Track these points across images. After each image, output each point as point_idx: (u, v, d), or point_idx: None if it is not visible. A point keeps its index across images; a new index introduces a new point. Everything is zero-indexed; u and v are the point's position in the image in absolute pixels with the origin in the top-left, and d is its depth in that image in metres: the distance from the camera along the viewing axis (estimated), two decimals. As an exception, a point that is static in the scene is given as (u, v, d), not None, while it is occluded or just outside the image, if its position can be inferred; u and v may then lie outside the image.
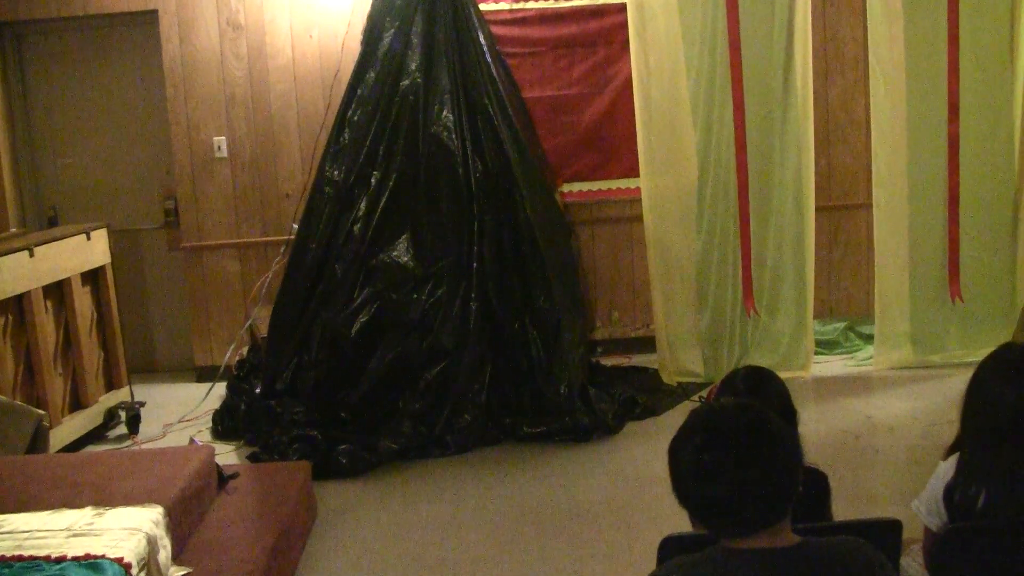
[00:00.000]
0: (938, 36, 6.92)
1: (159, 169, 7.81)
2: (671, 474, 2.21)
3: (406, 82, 6.37)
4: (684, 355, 7.06)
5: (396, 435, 5.94)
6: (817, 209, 7.04)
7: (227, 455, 6.00)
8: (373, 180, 6.27)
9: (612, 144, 7.44)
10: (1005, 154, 7.05)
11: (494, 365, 6.23)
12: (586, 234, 7.48)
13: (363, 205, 6.26)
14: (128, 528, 3.76)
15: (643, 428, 6.26)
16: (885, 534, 2.90)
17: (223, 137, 7.53)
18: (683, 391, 6.80)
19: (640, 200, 7.02)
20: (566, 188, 7.21)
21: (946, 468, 3.04)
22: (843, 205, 7.63)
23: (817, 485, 3.12)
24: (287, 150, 7.57)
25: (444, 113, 6.33)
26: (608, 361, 7.30)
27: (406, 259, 6.16)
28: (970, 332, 7.02)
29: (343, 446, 5.81)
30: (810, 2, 6.84)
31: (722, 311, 7.04)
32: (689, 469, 2.15)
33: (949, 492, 2.98)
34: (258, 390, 6.49)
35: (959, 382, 3.11)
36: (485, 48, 6.55)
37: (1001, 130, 7.04)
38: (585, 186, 7.51)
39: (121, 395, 6.80)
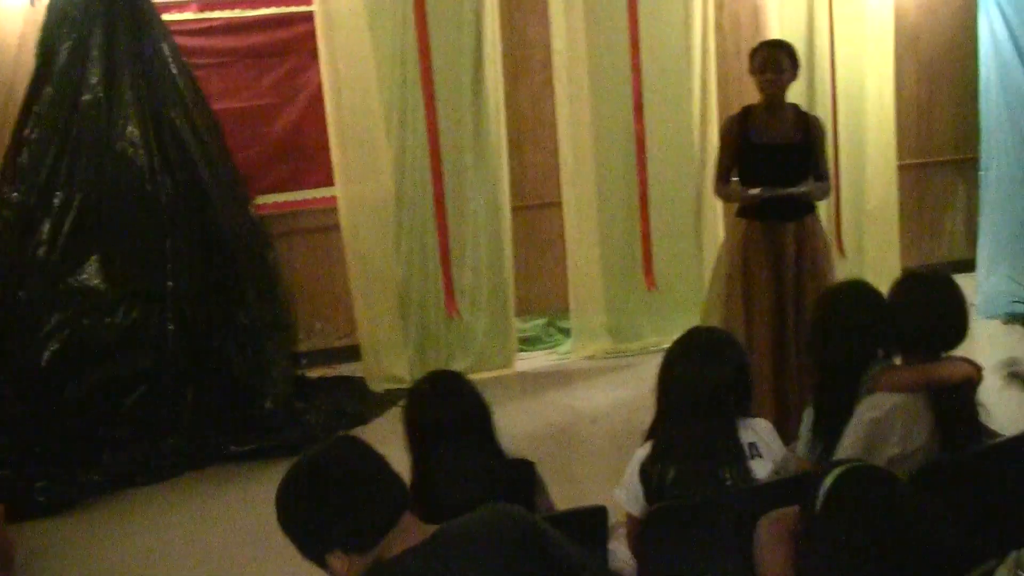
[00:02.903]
0: (619, 39, 7.22)
1: None
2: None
3: (87, 97, 6.10)
4: (390, 361, 7.07)
5: (98, 466, 5.70)
6: (512, 209, 7.22)
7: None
8: (56, 201, 5.97)
9: (305, 154, 7.36)
10: (686, 150, 7.43)
11: (197, 386, 6.07)
12: (284, 245, 7.36)
13: (47, 228, 5.95)
14: None
15: (353, 438, 6.24)
16: (591, 521, 3.00)
17: None
18: (390, 398, 6.79)
19: (337, 209, 7.00)
20: (260, 200, 7.07)
21: (642, 453, 3.17)
22: (537, 204, 7.81)
23: (522, 475, 3.16)
24: (-41, 173, 7.08)
25: (129, 129, 6.11)
26: (313, 373, 7.22)
27: (97, 282, 5.91)
28: (663, 320, 7.34)
29: (40, 483, 5.52)
30: (497, 7, 7.00)
31: (425, 315, 7.11)
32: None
33: (644, 472, 3.12)
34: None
35: (656, 368, 3.26)
36: (170, 59, 6.36)
37: (682, 127, 7.42)
38: (280, 197, 7.39)
39: None
